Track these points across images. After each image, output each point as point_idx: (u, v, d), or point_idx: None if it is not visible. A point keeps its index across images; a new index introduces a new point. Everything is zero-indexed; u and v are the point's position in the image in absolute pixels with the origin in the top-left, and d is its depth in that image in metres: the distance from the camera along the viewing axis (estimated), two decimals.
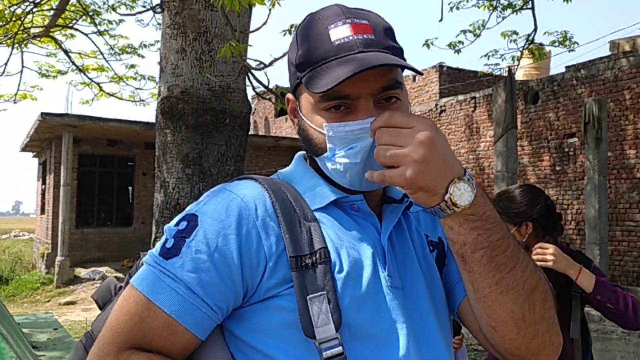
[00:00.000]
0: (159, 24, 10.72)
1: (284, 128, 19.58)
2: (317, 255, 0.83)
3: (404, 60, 0.89)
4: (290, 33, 2.79)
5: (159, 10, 4.31)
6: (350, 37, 0.86)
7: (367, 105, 0.86)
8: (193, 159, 4.10)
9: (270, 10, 2.84)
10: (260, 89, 3.92)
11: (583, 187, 8.82)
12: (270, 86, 3.46)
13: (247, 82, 3.90)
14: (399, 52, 0.89)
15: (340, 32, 0.87)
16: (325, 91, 0.83)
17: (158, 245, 0.87)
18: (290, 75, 0.96)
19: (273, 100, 15.88)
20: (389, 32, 0.90)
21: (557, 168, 10.13)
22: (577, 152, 9.67)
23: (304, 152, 1.03)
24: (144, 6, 8.20)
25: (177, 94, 4.09)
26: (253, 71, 3.28)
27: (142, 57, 8.90)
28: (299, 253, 0.83)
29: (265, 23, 2.81)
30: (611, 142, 8.92)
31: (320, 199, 0.93)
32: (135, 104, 9.39)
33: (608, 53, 9.57)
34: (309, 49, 0.89)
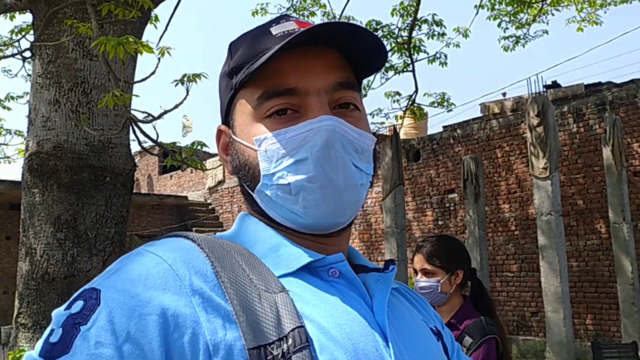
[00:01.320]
0: (29, 75, 9.98)
1: (169, 186, 18.86)
2: (291, 341, 0.56)
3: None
4: (182, 83, 2.57)
5: (29, 55, 3.89)
6: (296, 29, 0.68)
7: (321, 103, 0.67)
8: (66, 221, 3.64)
9: (159, 59, 2.62)
10: (148, 143, 3.61)
11: (464, 241, 9.22)
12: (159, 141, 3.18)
13: (132, 137, 3.59)
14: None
15: (283, 27, 0.70)
16: (258, 69, 0.65)
17: (40, 341, 0.57)
18: (222, 93, 0.75)
19: (161, 155, 15.29)
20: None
21: (440, 222, 10.55)
22: (457, 207, 10.15)
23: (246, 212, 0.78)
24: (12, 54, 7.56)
25: (48, 149, 3.66)
26: (140, 124, 3.00)
27: (9, 109, 8.13)
28: (262, 342, 0.55)
29: (153, 72, 2.57)
30: (487, 198, 9.47)
31: (286, 263, 0.66)
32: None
33: (479, 114, 10.31)
34: (246, 49, 0.70)
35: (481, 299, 2.13)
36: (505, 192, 9.61)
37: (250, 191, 0.71)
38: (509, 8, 8.51)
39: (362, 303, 0.67)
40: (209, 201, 16.60)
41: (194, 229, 14.99)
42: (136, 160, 3.73)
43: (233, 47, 0.73)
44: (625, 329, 7.06)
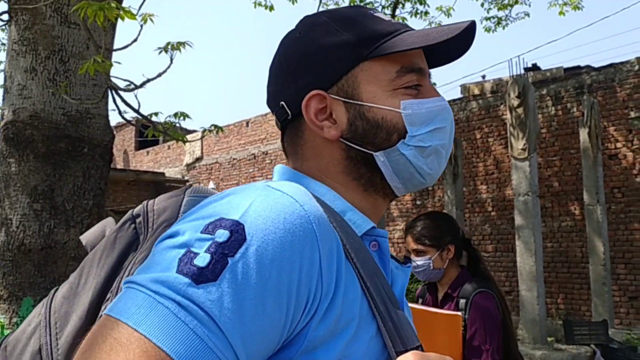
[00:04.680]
0: (2, 44, 9.67)
1: (145, 162, 18.62)
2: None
3: None
4: (166, 51, 2.51)
5: (6, 19, 3.76)
6: (396, 21, 0.79)
7: (431, 84, 0.77)
8: (43, 192, 3.56)
9: (141, 26, 2.55)
10: (129, 113, 3.54)
11: None
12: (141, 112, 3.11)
13: (112, 107, 3.52)
14: None
15: (387, 16, 0.79)
16: (412, 49, 0.72)
17: (170, 256, 0.54)
18: (330, 60, 0.75)
19: (139, 127, 15.08)
20: None
21: (418, 202, 10.64)
22: (436, 187, 10.23)
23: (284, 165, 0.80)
24: None
25: (24, 118, 3.56)
26: (121, 93, 2.93)
27: None
28: (407, 346, 0.63)
29: (135, 40, 2.50)
30: (465, 178, 9.56)
31: (356, 229, 0.70)
32: None
33: (460, 95, 10.35)
34: (372, 26, 0.75)
35: (478, 267, 2.17)
36: (483, 173, 9.71)
37: (368, 152, 0.74)
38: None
39: (387, 281, 0.71)
40: (186, 178, 16.45)
41: None
42: (114, 134, 3.62)
43: (340, 20, 0.76)
44: (595, 308, 7.24)
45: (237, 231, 0.55)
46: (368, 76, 0.74)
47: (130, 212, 0.77)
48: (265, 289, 0.54)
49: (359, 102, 0.74)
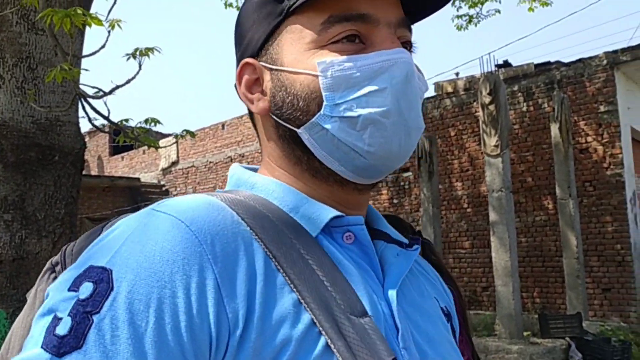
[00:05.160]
0: None
1: (120, 167, 18.40)
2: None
3: None
4: (134, 57, 2.49)
5: None
6: None
7: (392, 35, 0.60)
8: (13, 202, 3.50)
9: (109, 32, 2.52)
10: (99, 120, 3.50)
11: (419, 218, 9.39)
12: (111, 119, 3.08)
13: (82, 114, 3.47)
14: None
15: None
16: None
17: (40, 329, 0.46)
18: (256, 22, 0.64)
19: (112, 134, 14.87)
20: None
21: (395, 201, 10.71)
22: (412, 186, 10.32)
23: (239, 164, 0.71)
24: None
25: None
26: (90, 100, 2.90)
27: None
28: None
29: (103, 46, 2.48)
30: (441, 176, 9.65)
31: (312, 225, 0.59)
32: None
33: (434, 93, 10.45)
34: None
35: (434, 266, 2.17)
36: (458, 170, 9.81)
37: (292, 128, 0.61)
38: None
39: (373, 277, 0.59)
40: (162, 182, 16.30)
41: None
42: (85, 141, 3.61)
43: None
44: (570, 301, 7.38)
45: (103, 280, 0.47)
46: (292, 34, 0.61)
47: (50, 260, 0.67)
48: (143, 341, 0.45)
49: (279, 68, 0.62)
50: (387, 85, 0.57)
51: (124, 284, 0.46)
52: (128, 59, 2.48)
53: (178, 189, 15.76)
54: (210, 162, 14.81)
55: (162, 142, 13.83)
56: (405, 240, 0.65)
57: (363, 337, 0.50)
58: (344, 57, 0.58)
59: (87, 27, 2.84)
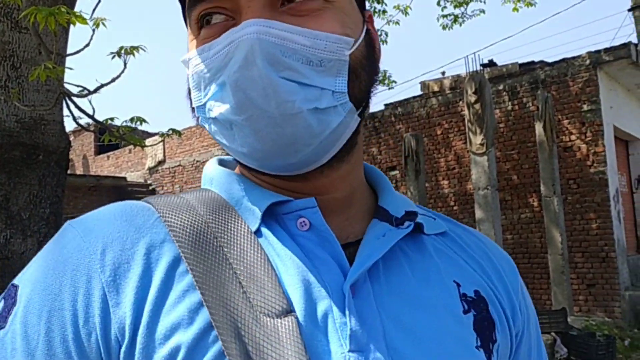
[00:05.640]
0: None
1: (106, 167, 18.26)
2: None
3: None
4: (119, 56, 2.48)
5: None
6: None
7: (256, 2, 0.49)
8: None
9: (93, 31, 2.51)
10: (84, 119, 3.48)
11: None
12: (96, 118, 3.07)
13: (67, 113, 3.45)
14: None
15: None
16: None
17: None
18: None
19: (98, 133, 14.77)
20: None
21: None
22: (399, 184, 10.36)
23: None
24: None
25: None
26: (74, 99, 2.88)
27: None
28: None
29: (88, 45, 2.47)
30: (427, 174, 9.71)
31: (251, 212, 0.54)
32: None
33: (420, 92, 10.50)
34: None
35: None
36: (445, 168, 9.87)
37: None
38: None
39: (330, 266, 0.52)
40: (149, 182, 16.21)
41: None
42: (70, 140, 3.59)
43: None
44: (555, 296, 7.46)
45: (10, 296, 0.49)
46: (188, 27, 0.56)
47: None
48: (35, 355, 0.46)
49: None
50: (226, 78, 0.49)
51: (23, 299, 0.48)
52: (113, 57, 2.47)
53: (165, 188, 15.69)
54: (197, 161, 14.76)
55: (148, 141, 13.76)
56: (405, 218, 0.58)
57: (271, 341, 0.45)
58: (197, 49, 0.52)
59: (72, 26, 2.83)
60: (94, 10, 3.00)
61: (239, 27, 0.48)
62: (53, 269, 0.48)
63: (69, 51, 3.72)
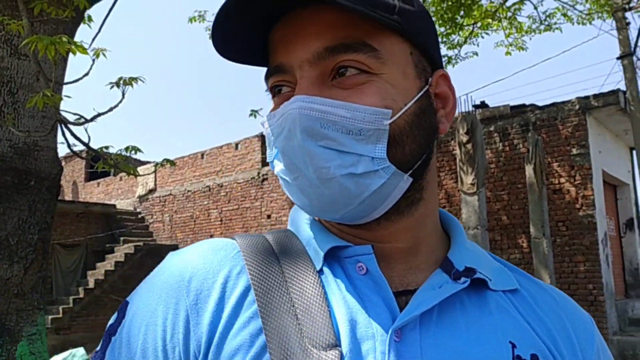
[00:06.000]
0: None
1: (95, 193, 18.16)
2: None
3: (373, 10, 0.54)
4: (118, 86, 2.51)
5: None
6: None
7: (305, 78, 0.56)
8: None
9: (93, 60, 2.55)
10: (78, 146, 3.49)
11: None
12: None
13: (61, 140, 3.46)
14: (370, 2, 0.55)
15: None
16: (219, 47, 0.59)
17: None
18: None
19: (89, 160, 14.73)
20: None
21: None
22: None
23: None
24: None
25: None
26: (70, 126, 2.90)
27: None
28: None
29: (87, 74, 2.50)
30: None
31: (317, 256, 0.60)
32: None
33: None
34: None
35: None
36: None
37: None
38: (442, 29, 8.86)
39: (383, 311, 0.56)
40: (138, 210, 16.11)
41: (121, 238, 14.49)
42: (63, 167, 3.57)
43: None
44: None
45: (122, 310, 0.61)
46: None
47: None
48: (132, 356, 0.56)
49: None
50: (278, 144, 0.58)
51: (130, 314, 0.59)
52: (111, 87, 2.50)
53: (154, 217, 15.60)
54: (188, 191, 14.72)
55: (140, 170, 13.74)
56: (459, 267, 0.61)
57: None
58: (267, 114, 0.60)
59: (71, 54, 2.86)
60: (93, 39, 3.04)
61: (289, 102, 0.56)
62: (153, 291, 0.59)
63: (67, 78, 3.75)
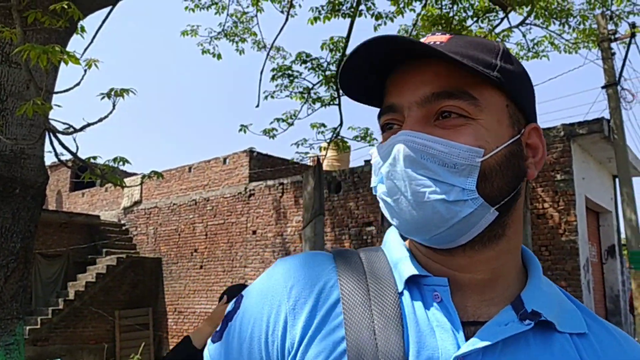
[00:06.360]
0: None
1: (80, 204, 18.00)
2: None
3: (467, 62, 0.64)
4: (109, 97, 2.52)
5: None
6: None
7: (412, 117, 0.66)
8: None
9: (85, 71, 2.56)
10: (66, 156, 3.48)
11: None
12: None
13: (49, 148, 3.45)
14: (475, 59, 0.66)
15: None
16: (348, 91, 0.73)
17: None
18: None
19: (75, 170, 14.61)
20: (474, 43, 0.69)
21: None
22: (374, 240, 10.39)
23: None
24: None
25: None
26: (60, 136, 2.89)
27: None
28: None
29: (78, 84, 2.51)
30: None
31: (400, 279, 0.69)
32: None
33: None
34: None
35: None
36: None
37: None
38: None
39: (450, 337, 0.64)
40: (122, 222, 15.98)
41: (104, 250, 14.34)
42: (49, 175, 3.53)
43: None
44: None
45: (238, 301, 0.74)
46: None
47: None
48: (242, 341, 0.70)
49: None
50: (383, 169, 0.67)
51: (244, 306, 0.73)
52: (102, 98, 2.51)
53: (139, 229, 15.48)
54: (174, 204, 14.65)
55: (127, 181, 13.65)
56: (542, 319, 0.66)
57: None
58: (377, 146, 0.71)
59: (63, 63, 2.87)
60: (85, 49, 3.06)
61: (396, 135, 0.66)
62: (262, 291, 0.71)
63: (57, 87, 3.75)
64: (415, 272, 0.68)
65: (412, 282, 0.69)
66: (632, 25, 9.06)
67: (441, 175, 0.63)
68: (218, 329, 0.75)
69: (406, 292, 0.68)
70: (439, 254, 0.69)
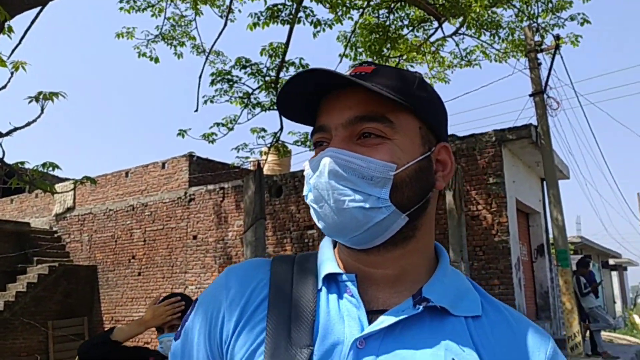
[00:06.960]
0: None
1: (8, 210, 17.15)
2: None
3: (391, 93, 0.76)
4: (37, 101, 2.45)
5: None
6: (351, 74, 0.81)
7: (338, 136, 0.78)
8: None
9: (12, 73, 2.48)
10: None
11: None
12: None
13: None
14: (393, 88, 0.77)
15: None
16: (286, 114, 0.85)
17: None
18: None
19: (3, 175, 13.93)
20: (394, 73, 0.80)
21: None
22: (316, 243, 10.46)
23: None
24: None
25: None
26: None
27: None
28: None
29: (4, 87, 2.42)
30: None
31: (320, 277, 0.82)
32: None
33: None
34: None
35: None
36: None
37: None
38: (369, 59, 9.17)
39: (356, 324, 0.75)
40: (54, 229, 15.36)
41: (35, 258, 13.73)
42: None
43: None
44: None
45: (195, 303, 0.86)
46: None
47: None
48: (194, 337, 0.82)
49: None
50: (311, 180, 0.78)
51: (195, 308, 0.84)
52: (30, 101, 2.43)
53: (72, 236, 14.92)
54: (110, 210, 14.22)
55: (58, 187, 13.13)
56: (436, 301, 0.76)
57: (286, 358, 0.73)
58: (309, 160, 0.81)
59: None
60: (12, 51, 2.96)
61: (324, 151, 0.77)
62: (208, 294, 0.84)
63: None
64: (331, 270, 0.80)
65: (331, 279, 0.80)
66: (557, 37, 9.55)
67: (360, 186, 0.74)
68: (179, 329, 0.86)
69: (324, 288, 0.79)
70: (357, 254, 0.79)
